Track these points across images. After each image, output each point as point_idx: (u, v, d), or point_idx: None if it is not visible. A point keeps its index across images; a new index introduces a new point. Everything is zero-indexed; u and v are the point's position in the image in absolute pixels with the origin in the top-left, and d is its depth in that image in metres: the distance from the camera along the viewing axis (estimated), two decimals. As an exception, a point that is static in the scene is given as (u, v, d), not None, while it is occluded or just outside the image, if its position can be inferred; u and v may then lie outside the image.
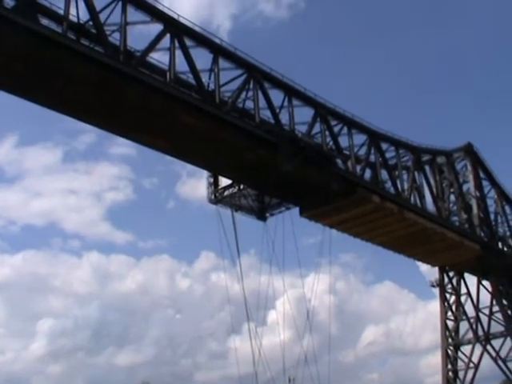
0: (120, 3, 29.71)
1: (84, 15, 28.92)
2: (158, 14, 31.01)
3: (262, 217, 42.34)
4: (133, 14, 30.17)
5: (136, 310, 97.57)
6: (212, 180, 41.86)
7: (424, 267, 59.87)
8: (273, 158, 35.39)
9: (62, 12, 27.81)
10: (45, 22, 27.34)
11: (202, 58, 34.23)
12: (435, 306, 59.66)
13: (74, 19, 28.87)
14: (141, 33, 32.50)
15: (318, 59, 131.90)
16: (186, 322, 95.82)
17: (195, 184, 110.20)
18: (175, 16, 31.77)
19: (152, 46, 30.91)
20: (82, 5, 28.39)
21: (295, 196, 40.88)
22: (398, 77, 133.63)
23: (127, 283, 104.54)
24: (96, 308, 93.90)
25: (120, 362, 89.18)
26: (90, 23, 28.81)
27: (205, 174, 42.00)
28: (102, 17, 29.16)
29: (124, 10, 29.71)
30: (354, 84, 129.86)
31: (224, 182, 41.11)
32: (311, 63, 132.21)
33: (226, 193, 41.18)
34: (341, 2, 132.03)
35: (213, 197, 41.64)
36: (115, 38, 29.70)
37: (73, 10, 28.40)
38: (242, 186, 40.94)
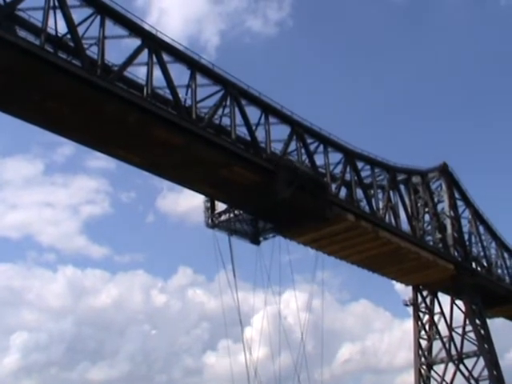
0: (98, 17, 29.99)
1: (62, 28, 29.13)
2: (136, 29, 31.36)
3: (255, 241, 42.93)
4: (111, 28, 30.48)
5: (111, 325, 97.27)
6: (209, 205, 42.52)
7: (399, 286, 60.43)
8: (247, 174, 36.18)
9: (40, 24, 27.85)
10: (22, 33, 27.44)
11: (180, 73, 34.69)
12: (410, 324, 60.04)
13: (52, 32, 29.02)
14: (119, 47, 32.73)
15: (301, 77, 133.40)
16: (162, 338, 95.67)
17: (175, 198, 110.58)
18: (153, 31, 32.13)
19: (130, 60, 31.14)
20: (60, 17, 28.58)
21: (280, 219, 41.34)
22: (375, 96, 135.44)
23: (102, 298, 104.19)
24: (70, 322, 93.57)
25: (94, 378, 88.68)
26: (68, 36, 28.97)
27: (185, 190, 42.18)
28: (81, 30, 29.41)
29: (102, 24, 29.99)
30: (332, 102, 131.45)
31: (220, 206, 42.18)
32: (294, 80, 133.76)
33: (222, 218, 42.01)
34: (327, 21, 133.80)
35: (210, 221, 42.25)
36: (93, 52, 29.96)
37: (51, 23, 28.49)
38: (237, 212, 41.76)
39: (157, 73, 32.07)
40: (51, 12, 28.12)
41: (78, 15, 29.36)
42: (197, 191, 39.67)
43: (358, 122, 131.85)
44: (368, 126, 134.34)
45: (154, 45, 31.90)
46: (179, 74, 34.66)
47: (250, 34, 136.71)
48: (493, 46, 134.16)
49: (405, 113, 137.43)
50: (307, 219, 40.94)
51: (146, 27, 32.23)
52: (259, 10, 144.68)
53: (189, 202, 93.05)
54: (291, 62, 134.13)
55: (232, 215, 41.93)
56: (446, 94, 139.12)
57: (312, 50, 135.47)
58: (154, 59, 31.81)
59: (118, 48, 33.08)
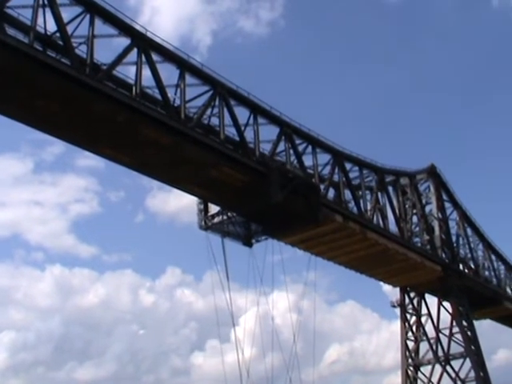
0: (88, 16, 30.01)
1: (51, 27, 29.22)
2: (125, 28, 31.45)
3: (248, 243, 43.28)
4: (101, 27, 30.55)
5: (98, 324, 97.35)
6: (202, 207, 42.90)
7: (387, 287, 60.91)
8: (236, 175, 36.46)
9: (29, 23, 27.85)
10: (11, 32, 27.41)
11: (169, 73, 34.83)
12: (398, 325, 60.37)
13: (42, 30, 29.15)
14: (111, 46, 32.79)
15: (291, 77, 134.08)
16: (150, 338, 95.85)
17: (165, 198, 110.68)
18: (143, 31, 32.24)
19: (119, 59, 31.20)
20: (49, 16, 28.61)
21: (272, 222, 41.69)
22: (365, 97, 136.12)
23: (90, 297, 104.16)
24: (58, 322, 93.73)
25: (81, 378, 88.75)
26: (57, 35, 29.03)
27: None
28: (70, 29, 29.42)
29: (92, 23, 30.00)
30: (321, 103, 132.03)
31: (213, 208, 42.65)
32: (284, 81, 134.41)
33: (215, 220, 42.48)
34: (319, 22, 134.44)
35: (203, 223, 42.65)
36: (82, 51, 29.98)
37: (40, 21, 28.60)
38: (230, 214, 42.22)
39: (146, 72, 32.20)
40: (40, 10, 28.09)
41: (67, 14, 29.51)
42: (186, 191, 39.77)
43: (346, 123, 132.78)
44: (357, 127, 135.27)
45: (144, 44, 32.01)
46: (168, 73, 34.83)
47: (242, 35, 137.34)
48: (484, 48, 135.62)
49: (394, 114, 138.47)
50: (299, 222, 41.33)
51: (138, 27, 32.37)
52: (251, 10, 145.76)
53: (178, 202, 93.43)
54: (282, 62, 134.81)
55: (225, 217, 42.32)
56: (436, 96, 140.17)
57: (303, 50, 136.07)
58: (144, 59, 31.91)
59: (111, 47, 33.09)
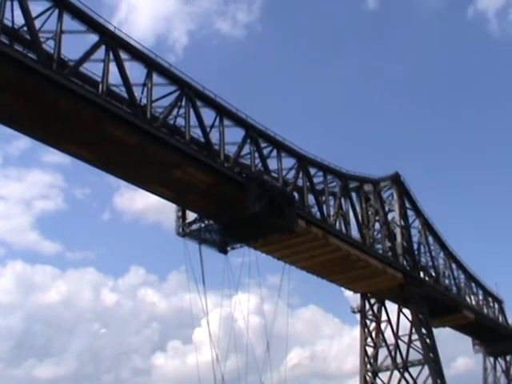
0: (57, 11, 30.25)
1: (19, 20, 29.33)
2: (94, 25, 31.70)
3: (223, 250, 43.96)
4: (69, 22, 30.79)
5: (60, 322, 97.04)
6: (180, 214, 43.71)
7: (348, 293, 61.73)
8: (200, 176, 37.13)
9: (-5, 16, 28.04)
10: (-23, 24, 27.59)
11: (137, 72, 35.21)
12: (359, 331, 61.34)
13: (9, 23, 29.22)
14: (78, 42, 32.99)
15: (265, 81, 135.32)
16: (111, 337, 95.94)
17: (132, 196, 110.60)
18: (112, 28, 32.63)
19: (86, 56, 31.50)
20: (17, 9, 28.72)
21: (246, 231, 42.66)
22: (333, 103, 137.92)
23: (52, 295, 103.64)
24: (18, 318, 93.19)
25: (40, 375, 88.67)
26: (25, 29, 29.24)
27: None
28: (38, 23, 29.65)
29: (60, 18, 30.26)
30: (290, 108, 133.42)
31: (191, 216, 43.55)
32: (257, 85, 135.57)
33: (192, 227, 43.29)
34: (296, 27, 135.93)
35: (181, 230, 43.46)
36: (50, 46, 30.22)
37: (8, 14, 28.64)
38: (207, 222, 43.03)
39: (113, 70, 32.52)
40: (8, 3, 28.19)
41: (35, 7, 29.68)
42: (149, 191, 40.06)
43: (313, 129, 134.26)
44: (323, 133, 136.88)
45: (112, 42, 32.34)
46: (136, 72, 35.20)
47: (219, 36, 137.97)
48: (455, 59, 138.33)
49: (361, 121, 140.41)
50: (274, 231, 42.40)
51: (113, 26, 32.79)
52: (229, 12, 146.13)
53: (145, 201, 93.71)
54: (257, 66, 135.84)
55: (202, 225, 43.13)
56: (404, 105, 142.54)
57: (278, 55, 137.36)
58: (112, 56, 32.26)
59: (81, 43, 33.22)
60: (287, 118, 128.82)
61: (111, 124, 32.06)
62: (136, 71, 35.15)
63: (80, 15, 31.11)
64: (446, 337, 77.68)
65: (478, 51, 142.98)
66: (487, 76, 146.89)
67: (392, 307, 60.16)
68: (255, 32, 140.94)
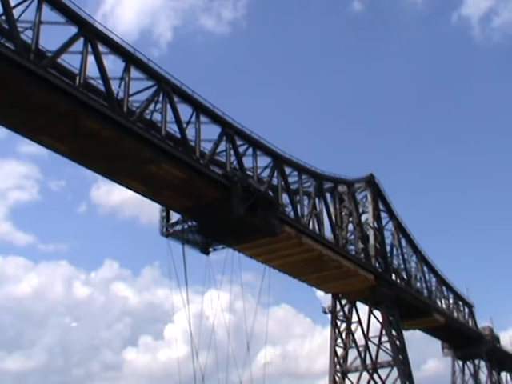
0: (36, 1, 30.37)
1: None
2: (73, 17, 31.85)
3: (205, 251, 45.09)
4: (48, 13, 30.96)
5: (30, 314, 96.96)
6: (164, 214, 44.64)
7: (321, 293, 62.38)
8: (175, 172, 37.61)
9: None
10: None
11: (115, 65, 35.49)
12: (330, 331, 62.00)
13: (-14, 13, 29.39)
14: (56, 33, 33.13)
15: (246, 79, 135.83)
16: (82, 331, 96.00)
17: (109, 190, 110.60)
18: (91, 20, 32.80)
19: (64, 48, 31.67)
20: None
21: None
22: (312, 104, 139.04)
23: (23, 287, 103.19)
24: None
25: (8, 367, 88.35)
26: (3, 18, 29.33)
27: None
28: (16, 12, 29.75)
29: (39, 9, 30.40)
30: (268, 107, 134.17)
31: (175, 216, 44.57)
32: (238, 82, 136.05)
33: (176, 227, 44.31)
34: (281, 26, 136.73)
35: (165, 230, 44.43)
36: (28, 36, 30.40)
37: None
38: (190, 223, 43.89)
39: (91, 63, 32.81)
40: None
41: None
42: (122, 185, 40.16)
43: (290, 128, 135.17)
44: (300, 133, 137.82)
45: (91, 34, 32.54)
46: (114, 65, 35.48)
47: (203, 33, 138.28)
48: (438, 63, 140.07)
49: (338, 123, 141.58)
50: (255, 234, 43.49)
51: (92, 20, 32.81)
52: (214, 8, 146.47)
53: (123, 195, 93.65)
54: (240, 63, 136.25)
55: (186, 226, 43.94)
56: (383, 108, 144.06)
57: (261, 53, 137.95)
58: (90, 49, 32.45)
59: (62, 35, 33.36)
60: (265, 117, 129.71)
61: (87, 117, 32.21)
62: (114, 64, 35.48)
63: (59, 6, 31.28)
64: (417, 339, 78.80)
65: (461, 56, 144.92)
66: (468, 81, 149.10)
67: (363, 308, 61.10)
68: (240, 29, 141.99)
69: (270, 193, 45.77)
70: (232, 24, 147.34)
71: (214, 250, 45.34)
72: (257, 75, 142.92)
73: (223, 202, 40.08)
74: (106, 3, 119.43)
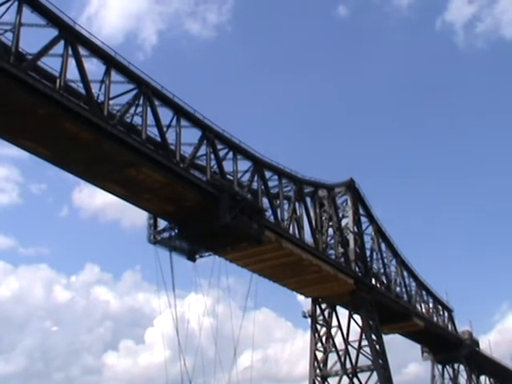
0: (16, 3, 30.43)
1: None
2: (54, 19, 31.99)
3: (192, 258, 45.51)
4: (29, 15, 31.04)
5: (10, 318, 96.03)
6: (152, 221, 44.76)
7: (301, 297, 62.59)
8: (155, 176, 37.88)
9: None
10: None
11: (95, 68, 35.59)
12: (310, 336, 62.20)
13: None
14: (37, 36, 33.19)
15: (230, 84, 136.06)
16: (63, 335, 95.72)
17: (91, 193, 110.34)
18: (71, 23, 32.94)
19: (44, 50, 31.78)
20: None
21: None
22: (295, 108, 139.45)
23: (2, 290, 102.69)
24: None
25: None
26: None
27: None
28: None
29: (19, 11, 30.47)
30: (251, 111, 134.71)
31: (162, 223, 44.86)
32: (222, 87, 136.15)
33: (164, 234, 44.54)
34: (266, 30, 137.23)
35: (152, 237, 44.53)
36: (7, 38, 30.40)
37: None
38: (177, 230, 44.13)
39: (72, 66, 32.87)
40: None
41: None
42: (103, 188, 40.29)
43: (271, 133, 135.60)
44: (281, 138, 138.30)
45: (71, 37, 32.65)
46: (94, 69, 35.57)
47: (188, 37, 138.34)
48: (422, 69, 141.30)
49: (320, 128, 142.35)
50: (242, 241, 44.21)
51: (72, 23, 32.97)
52: (199, 12, 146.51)
53: (104, 198, 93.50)
54: (224, 68, 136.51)
55: (173, 233, 44.18)
56: (366, 112, 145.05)
57: (246, 57, 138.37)
58: (70, 51, 32.54)
59: (43, 37, 33.40)
60: (247, 122, 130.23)
61: (67, 120, 32.33)
62: (94, 67, 35.59)
63: (40, 8, 31.40)
64: (398, 343, 79.42)
65: (445, 62, 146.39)
66: (451, 87, 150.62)
67: (343, 313, 61.50)
68: (225, 33, 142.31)
69: (251, 197, 46.15)
70: (217, 28, 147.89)
71: (201, 257, 45.80)
72: (241, 79, 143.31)
73: (208, 208, 40.51)
74: (90, 6, 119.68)
